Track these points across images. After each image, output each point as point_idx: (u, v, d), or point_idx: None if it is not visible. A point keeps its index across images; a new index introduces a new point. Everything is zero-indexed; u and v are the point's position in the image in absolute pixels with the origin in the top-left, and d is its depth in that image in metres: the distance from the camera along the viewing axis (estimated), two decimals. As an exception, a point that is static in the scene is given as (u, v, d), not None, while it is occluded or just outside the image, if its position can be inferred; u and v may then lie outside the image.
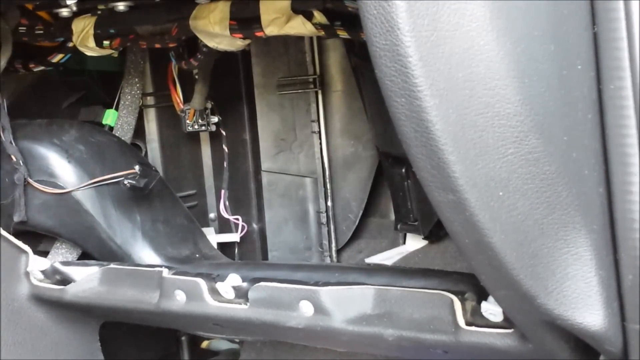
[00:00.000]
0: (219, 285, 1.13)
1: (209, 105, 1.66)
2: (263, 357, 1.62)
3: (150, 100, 1.70)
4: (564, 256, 0.77)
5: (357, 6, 0.70)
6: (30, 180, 1.37)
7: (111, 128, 1.64)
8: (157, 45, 1.36)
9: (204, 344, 1.91)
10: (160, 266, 1.24)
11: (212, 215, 1.81)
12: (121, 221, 1.40)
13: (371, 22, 0.68)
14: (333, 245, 1.69)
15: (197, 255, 1.49)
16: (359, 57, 1.50)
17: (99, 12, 1.34)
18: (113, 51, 1.41)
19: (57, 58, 1.47)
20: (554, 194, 0.74)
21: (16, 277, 1.34)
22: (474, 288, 0.94)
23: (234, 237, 1.75)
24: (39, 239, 1.52)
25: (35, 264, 1.34)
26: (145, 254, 1.41)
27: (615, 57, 0.72)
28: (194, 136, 1.77)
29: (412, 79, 0.68)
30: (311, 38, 1.62)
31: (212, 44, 1.27)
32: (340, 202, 1.69)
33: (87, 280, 1.28)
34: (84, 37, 1.36)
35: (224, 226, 1.79)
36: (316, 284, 1.05)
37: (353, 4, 1.07)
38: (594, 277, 0.77)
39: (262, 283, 1.09)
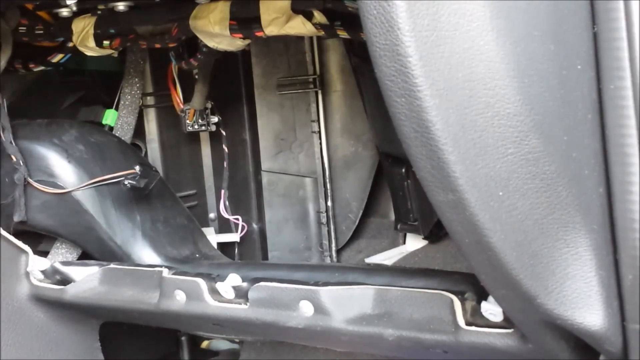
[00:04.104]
0: (219, 285, 1.13)
1: (209, 105, 1.66)
2: (263, 357, 1.62)
3: (150, 100, 1.70)
4: (564, 256, 0.77)
5: (357, 6, 0.70)
6: (30, 180, 1.37)
7: (111, 128, 1.64)
8: (157, 45, 1.36)
9: (204, 344, 1.92)
10: (160, 266, 1.24)
11: (212, 215, 1.81)
12: (121, 221, 1.40)
13: (371, 22, 0.68)
14: (333, 245, 1.69)
15: (197, 255, 1.49)
16: (359, 57, 1.50)
17: (99, 12, 1.34)
18: (113, 51, 1.41)
19: (57, 58, 1.47)
20: (554, 194, 0.74)
21: (16, 277, 1.34)
22: (474, 288, 0.94)
23: (234, 237, 1.76)
24: (39, 239, 1.52)
25: (35, 264, 1.34)
26: (145, 253, 1.41)
27: (615, 57, 0.72)
28: (194, 136, 1.77)
29: (412, 79, 0.68)
30: (311, 38, 1.62)
31: (212, 44, 1.27)
32: (340, 202, 1.69)
33: (87, 280, 1.28)
34: (84, 37, 1.36)
35: (224, 226, 1.79)
36: (316, 284, 1.05)
37: (353, 4, 1.07)
38: (594, 277, 0.77)
39: (262, 283, 1.09)
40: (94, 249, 1.42)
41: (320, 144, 1.66)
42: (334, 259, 1.69)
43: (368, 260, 1.63)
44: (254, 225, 1.77)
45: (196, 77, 1.60)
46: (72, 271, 1.31)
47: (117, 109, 1.65)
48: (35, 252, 1.38)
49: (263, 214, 1.74)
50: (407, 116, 0.70)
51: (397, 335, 0.97)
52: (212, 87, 1.62)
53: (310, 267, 1.34)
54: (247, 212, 1.77)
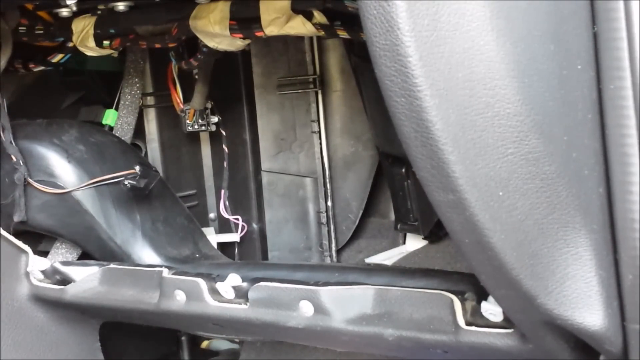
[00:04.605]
0: (219, 285, 1.13)
1: (209, 105, 1.66)
2: (263, 357, 1.62)
3: (150, 100, 1.70)
4: (564, 256, 0.77)
5: (357, 6, 0.70)
6: (30, 180, 1.37)
7: (111, 128, 1.64)
8: (157, 45, 1.36)
9: (204, 344, 1.92)
10: (160, 266, 1.24)
11: (212, 215, 1.81)
12: (121, 221, 1.40)
13: (371, 22, 0.68)
14: (333, 245, 1.69)
15: (197, 255, 1.49)
16: (359, 57, 1.50)
17: (99, 12, 1.34)
18: (113, 51, 1.41)
19: (57, 58, 1.47)
20: (554, 194, 0.74)
21: (16, 277, 1.34)
22: (474, 288, 0.94)
23: (234, 237, 1.76)
24: (39, 239, 1.52)
25: (35, 264, 1.34)
26: (145, 253, 1.41)
27: (615, 57, 0.72)
28: (194, 136, 1.77)
29: (412, 79, 0.68)
30: (311, 38, 1.62)
31: (212, 44, 1.27)
32: (340, 202, 1.69)
33: (87, 280, 1.28)
34: (84, 37, 1.36)
35: (224, 226, 1.79)
36: (316, 284, 1.05)
37: (353, 4, 1.07)
38: (594, 277, 0.77)
39: (262, 283, 1.09)
40: (94, 249, 1.42)
41: (320, 144, 1.66)
42: (334, 259, 1.69)
43: (368, 260, 1.63)
44: (254, 225, 1.77)
45: (196, 77, 1.60)
46: (72, 271, 1.31)
47: (117, 109, 1.65)
48: (35, 252, 1.38)
49: (263, 214, 1.74)
50: (407, 116, 0.70)
51: (397, 335, 0.97)
52: (212, 87, 1.62)
53: (310, 267, 1.34)
54: (247, 212, 1.77)
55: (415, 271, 1.13)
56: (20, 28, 1.38)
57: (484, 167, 0.71)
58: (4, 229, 1.33)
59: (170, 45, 1.36)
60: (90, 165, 1.40)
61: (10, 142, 1.38)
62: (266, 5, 1.17)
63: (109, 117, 1.65)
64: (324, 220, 1.68)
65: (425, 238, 1.57)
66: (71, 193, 1.38)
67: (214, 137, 1.77)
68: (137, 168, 1.37)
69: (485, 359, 0.94)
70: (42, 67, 1.52)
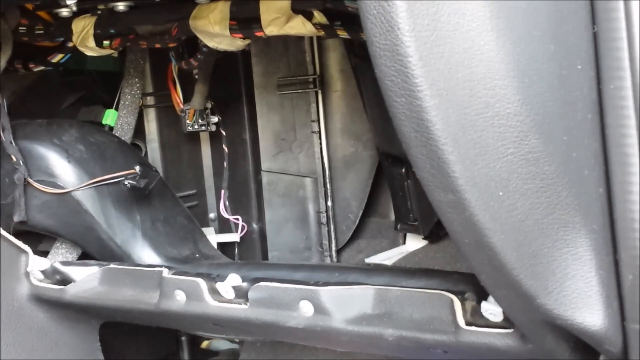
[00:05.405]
0: (219, 285, 1.13)
1: (209, 105, 1.66)
2: (263, 357, 1.62)
3: (150, 100, 1.70)
4: (564, 256, 0.77)
5: (357, 6, 0.70)
6: (30, 180, 1.37)
7: (111, 128, 1.64)
8: (157, 45, 1.36)
9: (204, 344, 1.92)
10: (160, 266, 1.24)
11: (212, 215, 1.81)
12: (121, 221, 1.40)
13: (371, 22, 0.68)
14: (333, 245, 1.69)
15: (197, 255, 1.49)
16: (359, 57, 1.50)
17: (99, 12, 1.34)
18: (113, 51, 1.41)
19: (57, 58, 1.47)
20: (554, 194, 0.74)
21: (16, 277, 1.34)
22: (474, 288, 0.94)
23: (234, 237, 1.76)
24: (39, 239, 1.52)
25: (35, 264, 1.34)
26: (145, 253, 1.41)
27: (615, 57, 0.72)
28: (194, 136, 1.77)
29: (412, 79, 0.68)
30: (311, 38, 1.62)
31: (212, 44, 1.27)
32: (340, 202, 1.69)
33: (87, 280, 1.28)
34: (84, 37, 1.36)
35: (224, 226, 1.79)
36: (316, 284, 1.05)
37: (353, 4, 1.07)
38: (594, 277, 0.77)
39: (262, 283, 1.09)
40: (94, 249, 1.42)
41: (320, 144, 1.66)
42: (334, 259, 1.69)
43: (368, 260, 1.63)
44: (254, 225, 1.77)
45: (196, 77, 1.60)
46: (72, 271, 1.31)
47: (117, 109, 1.65)
48: (35, 252, 1.38)
49: (263, 214, 1.74)
50: (407, 116, 0.70)
51: (397, 335, 0.97)
52: (212, 87, 1.62)
53: (310, 267, 1.34)
54: (247, 212, 1.77)
55: (415, 271, 1.13)
56: (20, 28, 1.38)
57: (484, 167, 0.71)
58: (4, 229, 1.33)
59: (170, 45, 1.36)
60: (90, 165, 1.40)
61: (10, 142, 1.38)
62: (266, 5, 1.17)
63: (109, 117, 1.65)
64: (324, 220, 1.68)
65: (425, 238, 1.57)
66: (71, 193, 1.38)
67: (214, 137, 1.77)
68: (137, 168, 1.37)
69: (485, 359, 0.94)
70: (42, 67, 1.52)
